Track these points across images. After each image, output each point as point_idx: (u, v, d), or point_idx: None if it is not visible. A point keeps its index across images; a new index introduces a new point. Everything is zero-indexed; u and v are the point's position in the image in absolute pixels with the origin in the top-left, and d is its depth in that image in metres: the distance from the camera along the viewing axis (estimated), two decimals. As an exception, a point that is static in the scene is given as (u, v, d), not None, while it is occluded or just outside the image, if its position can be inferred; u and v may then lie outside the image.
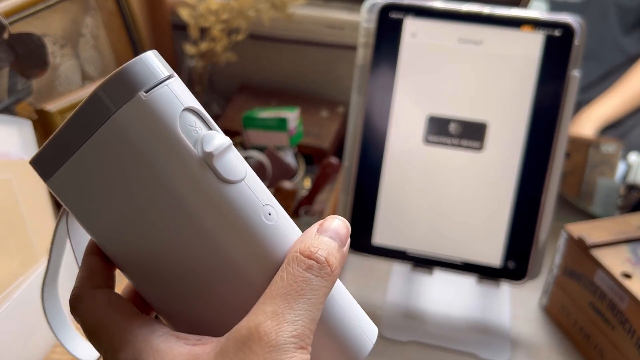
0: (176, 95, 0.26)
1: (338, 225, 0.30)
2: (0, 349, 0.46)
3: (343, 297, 0.30)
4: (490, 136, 0.68)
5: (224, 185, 0.26)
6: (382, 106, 0.69)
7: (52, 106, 0.68)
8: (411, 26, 0.67)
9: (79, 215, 0.28)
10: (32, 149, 0.56)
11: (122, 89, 0.25)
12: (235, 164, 0.27)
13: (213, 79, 1.06)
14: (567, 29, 0.64)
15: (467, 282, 0.78)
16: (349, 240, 0.30)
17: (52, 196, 0.63)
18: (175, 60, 1.06)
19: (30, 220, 0.54)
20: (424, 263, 0.72)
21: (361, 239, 0.73)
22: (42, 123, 0.67)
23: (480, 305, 0.76)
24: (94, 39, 0.83)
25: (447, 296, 0.77)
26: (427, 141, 0.69)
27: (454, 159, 0.69)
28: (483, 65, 0.67)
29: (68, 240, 0.32)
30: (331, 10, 1.06)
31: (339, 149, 0.99)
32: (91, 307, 0.28)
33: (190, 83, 1.04)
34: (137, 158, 0.25)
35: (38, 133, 0.66)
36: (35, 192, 0.55)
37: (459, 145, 0.69)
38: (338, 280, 0.30)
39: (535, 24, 0.64)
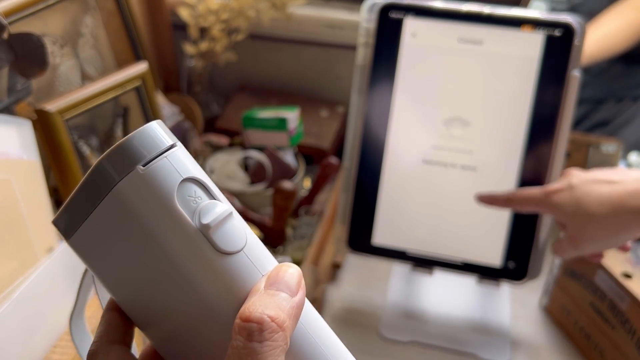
0: (175, 167, 0.27)
1: (285, 274, 0.27)
2: (0, 349, 0.46)
3: (315, 333, 0.28)
4: (490, 136, 0.68)
5: (221, 257, 0.26)
6: (382, 106, 0.69)
7: (52, 106, 0.68)
8: (411, 26, 0.67)
9: (96, 272, 0.29)
10: (32, 149, 0.56)
11: (123, 161, 0.26)
12: (235, 234, 0.27)
13: (213, 78, 1.06)
14: (567, 29, 0.64)
15: (467, 282, 0.78)
16: (302, 284, 0.28)
17: (51, 196, 0.63)
18: (175, 60, 1.06)
19: (30, 220, 0.54)
20: (424, 263, 0.72)
21: (361, 239, 0.73)
22: (41, 123, 0.67)
23: (480, 306, 0.76)
24: (93, 39, 0.83)
25: (447, 296, 0.77)
26: (428, 141, 0.69)
27: (454, 158, 0.69)
28: (483, 65, 0.66)
29: (93, 287, 0.33)
30: (331, 10, 1.06)
31: (339, 149, 0.99)
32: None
33: (190, 83, 1.04)
34: (138, 227, 0.26)
35: (38, 133, 0.65)
36: (35, 192, 0.55)
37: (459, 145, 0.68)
38: (310, 313, 0.28)
39: (536, 23, 0.64)
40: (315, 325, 0.28)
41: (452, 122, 0.69)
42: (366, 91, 0.69)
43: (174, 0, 1.03)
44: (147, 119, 0.82)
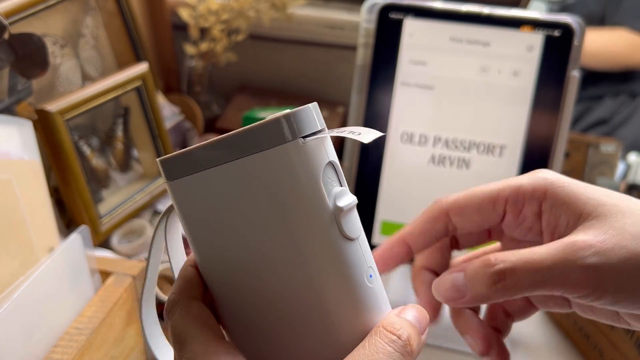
0: (326, 147, 0.28)
1: (419, 312, 0.29)
2: (0, 349, 0.46)
3: None
4: (490, 136, 0.68)
5: (343, 241, 0.27)
6: (382, 106, 0.69)
7: (53, 106, 0.68)
8: (411, 26, 0.67)
9: (190, 225, 0.29)
10: (33, 149, 0.56)
11: (281, 131, 0.27)
12: (356, 222, 0.29)
13: (213, 79, 1.06)
14: (566, 29, 0.64)
15: (467, 282, 0.78)
16: (427, 330, 0.30)
17: (52, 196, 0.63)
18: (176, 61, 1.06)
19: (31, 220, 0.54)
20: (424, 263, 0.72)
21: (361, 239, 0.73)
22: (42, 123, 0.68)
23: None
24: (94, 39, 0.83)
25: (447, 296, 0.77)
26: (427, 142, 0.69)
27: (453, 158, 0.69)
28: (483, 65, 0.67)
29: (164, 243, 0.32)
30: (331, 10, 1.06)
31: (339, 149, 0.99)
32: (185, 316, 0.28)
33: (190, 83, 1.04)
34: (273, 195, 0.27)
35: (38, 133, 0.66)
36: (35, 192, 0.55)
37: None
38: None
39: (535, 24, 0.65)
40: None
41: (452, 122, 0.69)
42: (366, 91, 0.69)
43: (174, 0, 1.03)
44: (148, 119, 0.82)
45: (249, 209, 0.27)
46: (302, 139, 0.27)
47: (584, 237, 0.28)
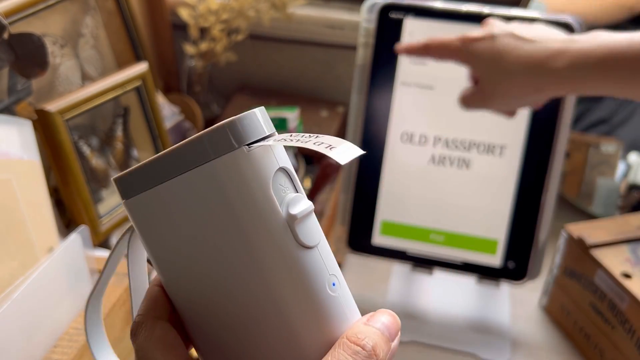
0: (274, 153, 0.27)
1: (387, 319, 0.29)
2: (0, 349, 0.46)
3: None
4: (490, 136, 0.68)
5: (299, 250, 0.27)
6: (382, 106, 0.69)
7: (52, 106, 0.68)
8: (411, 26, 0.67)
9: (148, 241, 0.29)
10: (32, 149, 0.56)
11: (226, 139, 0.26)
12: (313, 229, 0.28)
13: (213, 79, 1.06)
14: (567, 29, 0.64)
15: (467, 282, 0.78)
16: (398, 336, 0.29)
17: (52, 196, 0.63)
18: (175, 60, 1.06)
19: (31, 220, 0.54)
20: (424, 263, 0.72)
21: (361, 239, 0.73)
22: (42, 123, 0.67)
23: (480, 305, 0.76)
24: (93, 39, 0.83)
25: (447, 296, 0.77)
26: (427, 142, 0.69)
27: (453, 158, 0.69)
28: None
29: (124, 259, 0.32)
30: (331, 10, 1.06)
31: (338, 149, 0.99)
32: (148, 338, 0.28)
33: (190, 83, 1.04)
34: (223, 206, 0.26)
35: (38, 133, 0.66)
36: (35, 192, 0.55)
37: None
38: None
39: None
40: None
41: (452, 122, 0.69)
42: (366, 91, 0.69)
43: (174, 0, 1.03)
44: (148, 119, 0.82)
45: (203, 222, 0.27)
46: (246, 147, 0.26)
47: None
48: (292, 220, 0.26)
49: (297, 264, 0.26)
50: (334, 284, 0.28)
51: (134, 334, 0.29)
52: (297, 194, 0.28)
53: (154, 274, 0.31)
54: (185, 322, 0.30)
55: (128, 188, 0.28)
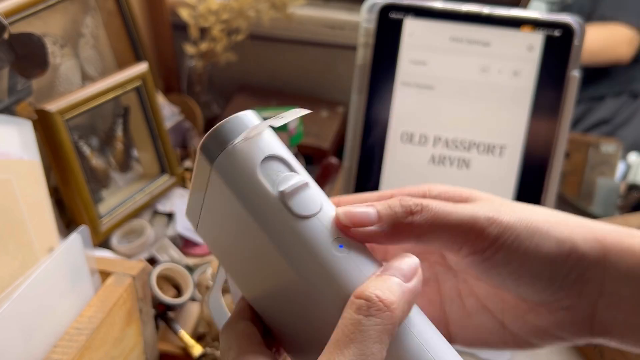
0: (259, 145, 0.30)
1: (400, 262, 0.29)
2: (0, 349, 0.46)
3: (419, 333, 0.28)
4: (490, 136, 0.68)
5: (297, 221, 0.29)
6: (382, 106, 0.69)
7: (52, 106, 0.68)
8: (411, 26, 0.67)
9: (216, 253, 0.33)
10: (32, 149, 0.56)
11: (216, 143, 0.30)
12: (309, 200, 0.30)
13: (213, 79, 1.06)
14: (566, 29, 0.64)
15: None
16: (419, 273, 0.29)
17: (52, 196, 0.63)
18: (175, 60, 1.06)
19: (31, 220, 0.54)
20: (424, 263, 0.72)
21: (361, 239, 0.73)
22: (42, 123, 0.68)
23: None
24: (93, 39, 0.83)
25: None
26: (427, 142, 0.69)
27: (453, 158, 0.69)
28: (483, 65, 0.67)
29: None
30: (331, 10, 1.06)
31: (339, 149, 0.99)
32: (230, 332, 0.31)
33: (190, 83, 1.04)
34: (233, 203, 0.30)
35: (38, 133, 0.66)
36: (35, 192, 0.55)
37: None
38: (416, 315, 0.29)
39: (535, 24, 0.64)
40: (422, 329, 0.29)
41: (452, 122, 0.69)
42: (366, 91, 0.69)
43: (174, 0, 1.03)
44: (148, 119, 0.82)
45: (229, 221, 0.31)
46: (231, 146, 0.30)
47: (482, 201, 0.32)
48: (282, 196, 0.29)
49: (298, 234, 0.29)
50: (340, 246, 0.29)
51: (221, 332, 0.32)
52: (289, 173, 0.30)
53: None
54: (261, 316, 0.33)
55: (192, 219, 0.33)
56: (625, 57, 1.38)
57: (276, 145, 0.31)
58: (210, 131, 0.30)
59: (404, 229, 0.30)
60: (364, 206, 0.30)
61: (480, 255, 0.30)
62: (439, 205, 0.30)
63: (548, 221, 0.31)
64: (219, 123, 0.30)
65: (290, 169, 0.31)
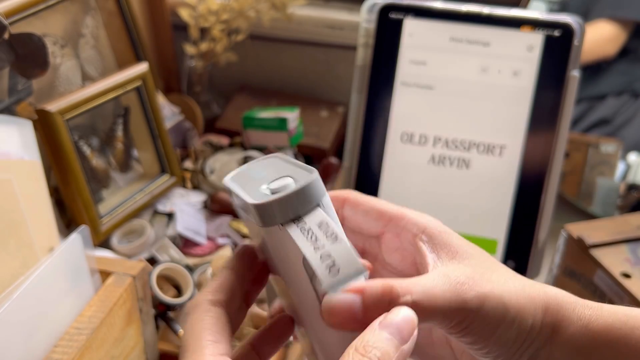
0: (308, 235, 0.29)
1: (402, 319, 0.28)
2: (0, 349, 0.46)
3: None
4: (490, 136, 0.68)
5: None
6: (382, 106, 0.69)
7: (53, 106, 0.68)
8: (411, 26, 0.67)
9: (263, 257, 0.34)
10: (33, 149, 0.56)
11: (269, 216, 0.29)
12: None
13: (213, 79, 1.06)
14: (566, 29, 0.64)
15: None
16: (414, 334, 0.28)
17: (52, 196, 0.63)
18: (176, 61, 1.06)
19: (31, 220, 0.54)
20: (424, 263, 0.72)
21: (361, 239, 0.73)
22: (42, 123, 0.68)
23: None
24: (94, 39, 0.83)
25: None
26: (427, 142, 0.69)
27: (453, 158, 0.69)
28: (483, 65, 0.67)
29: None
30: (331, 10, 1.06)
31: (339, 149, 0.99)
32: (199, 319, 0.30)
33: (191, 83, 1.04)
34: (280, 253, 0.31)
35: (38, 133, 0.66)
36: (35, 192, 0.55)
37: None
38: None
39: (535, 24, 0.65)
40: None
41: (452, 122, 0.69)
42: (366, 91, 0.69)
43: (174, 0, 1.03)
44: (148, 119, 0.82)
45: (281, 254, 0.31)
46: (280, 225, 0.29)
47: (463, 278, 0.30)
48: (321, 295, 0.29)
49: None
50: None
51: (187, 312, 0.31)
52: (335, 278, 0.29)
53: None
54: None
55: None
56: (610, 53, 1.40)
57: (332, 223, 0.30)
58: (288, 195, 0.29)
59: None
60: (346, 306, 0.29)
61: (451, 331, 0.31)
62: (425, 296, 0.30)
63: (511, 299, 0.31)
64: (287, 194, 0.29)
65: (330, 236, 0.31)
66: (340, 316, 0.28)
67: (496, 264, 0.33)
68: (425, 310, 0.29)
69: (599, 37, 1.38)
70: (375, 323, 0.28)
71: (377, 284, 0.28)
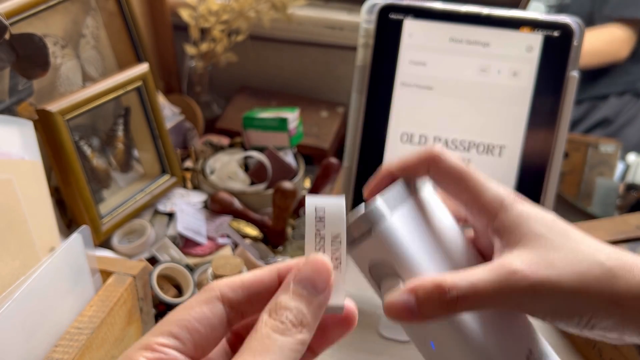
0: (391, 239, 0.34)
1: (313, 270, 0.29)
2: (0, 349, 0.46)
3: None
4: (490, 136, 0.68)
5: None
6: (381, 107, 0.69)
7: (53, 106, 0.68)
8: (410, 27, 0.68)
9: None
10: (33, 149, 0.56)
11: (360, 228, 0.36)
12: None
13: (213, 79, 1.07)
14: (565, 30, 0.64)
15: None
16: (329, 283, 0.29)
17: (53, 196, 0.63)
18: (176, 61, 1.06)
19: (32, 220, 0.54)
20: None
21: (361, 239, 0.73)
22: (43, 123, 0.68)
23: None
24: (94, 40, 0.83)
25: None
26: (427, 142, 0.69)
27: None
28: (482, 66, 0.67)
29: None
30: (331, 11, 1.06)
31: (339, 149, 0.99)
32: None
33: (191, 83, 1.05)
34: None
35: (39, 133, 0.66)
36: (36, 192, 0.55)
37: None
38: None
39: (534, 24, 0.65)
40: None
41: (452, 122, 0.69)
42: (366, 91, 0.69)
43: (174, 1, 1.03)
44: (148, 120, 0.82)
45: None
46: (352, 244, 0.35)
47: (519, 265, 0.31)
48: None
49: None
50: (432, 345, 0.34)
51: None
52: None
53: None
54: None
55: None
56: (622, 56, 1.39)
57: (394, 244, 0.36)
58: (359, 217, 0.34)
59: (443, 317, 0.32)
60: (402, 304, 0.31)
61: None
62: (471, 288, 0.31)
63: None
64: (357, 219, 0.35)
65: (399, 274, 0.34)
66: (399, 312, 0.31)
67: (566, 237, 0.33)
68: (473, 303, 0.31)
69: (610, 39, 1.37)
70: (289, 278, 0.29)
71: (428, 282, 0.31)
